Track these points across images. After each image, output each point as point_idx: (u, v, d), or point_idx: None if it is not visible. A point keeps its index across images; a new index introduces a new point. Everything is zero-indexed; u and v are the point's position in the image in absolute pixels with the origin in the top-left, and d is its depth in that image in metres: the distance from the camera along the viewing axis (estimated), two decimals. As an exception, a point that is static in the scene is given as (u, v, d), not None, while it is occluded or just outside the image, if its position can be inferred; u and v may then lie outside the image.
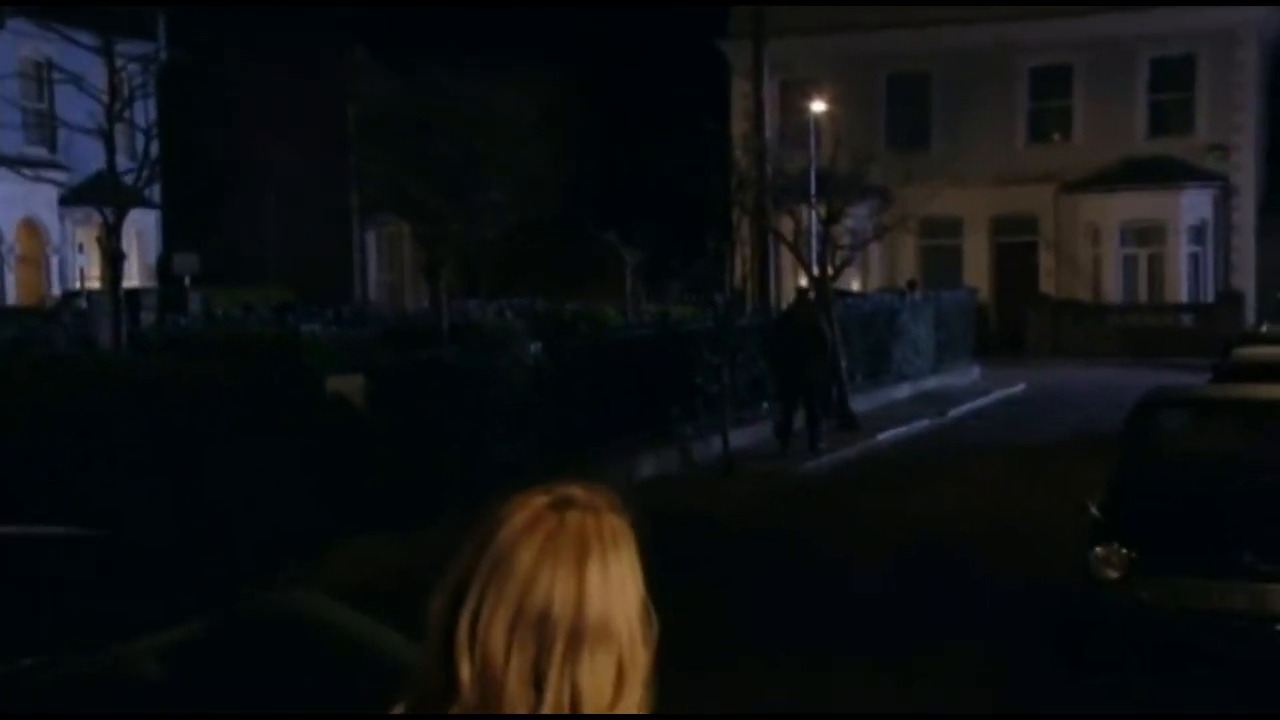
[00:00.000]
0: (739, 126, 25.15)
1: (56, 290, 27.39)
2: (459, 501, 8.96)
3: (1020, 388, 22.98)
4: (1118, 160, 30.87)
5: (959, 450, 16.47)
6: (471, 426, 11.38)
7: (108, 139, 12.16)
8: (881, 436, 17.15)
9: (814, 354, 15.73)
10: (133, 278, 25.38)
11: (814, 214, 19.92)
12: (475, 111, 18.87)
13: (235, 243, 30.61)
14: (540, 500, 1.52)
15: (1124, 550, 7.15)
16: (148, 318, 19.86)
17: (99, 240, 13.34)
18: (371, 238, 33.98)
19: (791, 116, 26.62)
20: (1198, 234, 31.07)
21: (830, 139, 22.37)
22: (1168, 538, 7.31)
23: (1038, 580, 8.91)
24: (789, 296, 21.38)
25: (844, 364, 17.80)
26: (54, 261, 28.51)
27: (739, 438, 15.20)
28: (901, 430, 17.76)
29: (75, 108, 14.31)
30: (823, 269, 18.62)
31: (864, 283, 30.23)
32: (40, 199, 26.31)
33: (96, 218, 14.16)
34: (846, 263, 19.80)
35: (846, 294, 23.53)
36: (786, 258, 22.54)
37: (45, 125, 25.19)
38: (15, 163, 20.32)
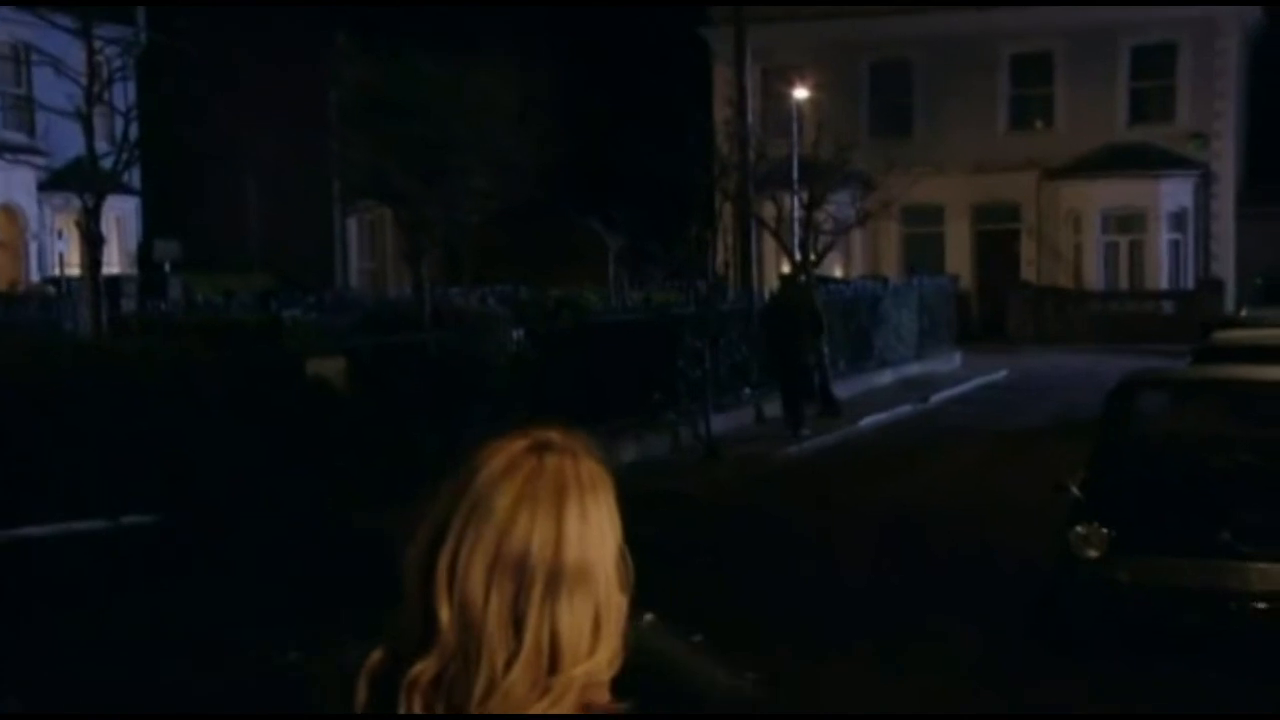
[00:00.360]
0: (721, 113, 25.13)
1: (36, 277, 27.21)
2: (438, 482, 8.94)
3: (1002, 374, 23.07)
4: (1099, 147, 30.98)
5: (941, 435, 16.53)
6: (452, 409, 11.37)
7: (86, 122, 12.07)
8: (864, 422, 17.19)
9: (810, 336, 15.77)
10: (113, 264, 25.24)
11: (796, 200, 19.95)
12: (457, 98, 18.82)
13: (217, 230, 30.45)
14: (519, 444, 1.51)
15: (1103, 529, 7.19)
16: (127, 304, 19.76)
17: (78, 224, 13.23)
18: (353, 224, 33.85)
19: (773, 103, 26.65)
20: (1178, 221, 31.22)
21: (812, 126, 22.42)
22: (1147, 517, 7.35)
23: (1018, 560, 8.95)
24: (771, 282, 21.41)
25: (827, 350, 17.84)
26: (33, 248, 28.31)
27: (721, 423, 15.21)
28: (884, 416, 17.82)
29: (54, 92, 14.20)
30: (805, 255, 18.65)
31: (846, 270, 30.28)
32: (18, 184, 26.11)
33: (76, 203, 14.05)
34: (828, 248, 19.85)
35: (828, 280, 23.57)
36: (769, 244, 22.59)
37: (23, 110, 25.00)
38: (-7, 147, 20.18)
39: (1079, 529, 7.24)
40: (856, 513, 11.56)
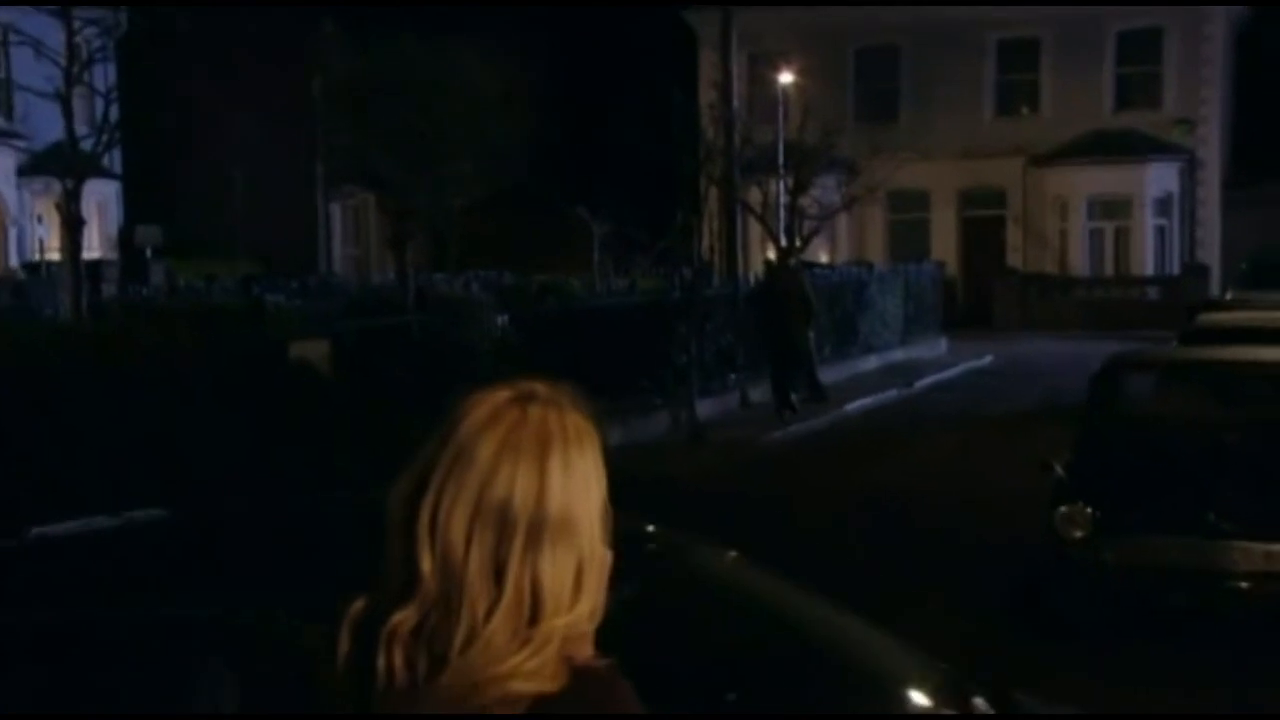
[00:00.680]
0: (706, 98, 25.11)
1: (15, 263, 27.03)
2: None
3: (987, 360, 23.11)
4: (1085, 134, 31.01)
5: (927, 420, 16.55)
6: (437, 393, 11.32)
7: (65, 103, 11.99)
8: (850, 407, 17.20)
9: (800, 320, 15.76)
10: (94, 249, 25.10)
11: (781, 185, 19.94)
12: (441, 84, 18.75)
13: (199, 215, 30.31)
14: (503, 394, 1.50)
15: (1088, 509, 7.20)
16: (108, 289, 19.65)
17: (57, 206, 13.13)
18: (336, 210, 33.72)
19: (759, 89, 26.59)
20: (1163, 207, 31.30)
21: (798, 111, 22.39)
22: (1132, 497, 7.36)
23: (1005, 542, 8.96)
24: (757, 267, 21.38)
25: (813, 335, 17.84)
26: (12, 233, 28.11)
27: (707, 407, 15.20)
28: (869, 401, 17.83)
29: (33, 74, 14.08)
30: (790, 240, 18.65)
31: (832, 255, 30.29)
32: (-3, 169, 25.94)
33: (56, 188, 13.96)
34: (814, 233, 19.85)
35: (814, 265, 23.58)
36: (754, 229, 22.57)
37: (1, 92, 24.80)
38: (-28, 132, 20.03)
39: (1063, 509, 7.25)
40: (842, 497, 11.55)
